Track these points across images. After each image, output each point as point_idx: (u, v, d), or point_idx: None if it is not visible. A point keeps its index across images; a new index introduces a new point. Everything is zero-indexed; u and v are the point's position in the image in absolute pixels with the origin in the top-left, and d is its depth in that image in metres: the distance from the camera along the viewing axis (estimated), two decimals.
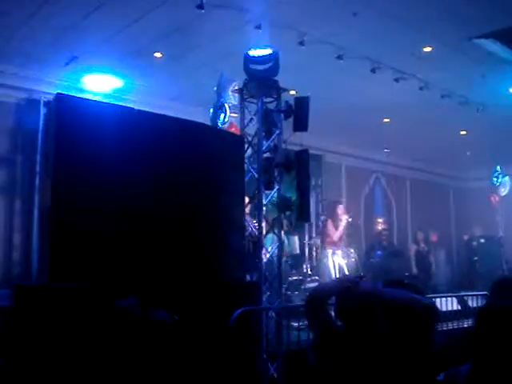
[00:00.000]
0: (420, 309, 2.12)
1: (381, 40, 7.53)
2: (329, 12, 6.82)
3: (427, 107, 9.81)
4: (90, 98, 7.50)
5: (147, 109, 6.39)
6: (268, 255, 6.83)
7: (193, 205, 5.62)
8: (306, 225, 10.43)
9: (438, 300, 7.80)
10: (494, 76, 8.76)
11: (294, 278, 8.85)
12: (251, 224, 6.68)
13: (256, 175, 6.52)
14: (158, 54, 8.04)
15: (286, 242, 8.93)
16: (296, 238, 9.95)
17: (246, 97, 6.71)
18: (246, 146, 6.71)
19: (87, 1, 6.48)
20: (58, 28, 7.09)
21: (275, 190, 6.60)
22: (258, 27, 6.83)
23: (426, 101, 9.43)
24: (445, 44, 7.73)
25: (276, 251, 6.70)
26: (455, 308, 8.43)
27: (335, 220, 9.84)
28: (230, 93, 6.91)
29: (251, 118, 6.73)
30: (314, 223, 11.66)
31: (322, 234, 9.83)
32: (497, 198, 13.53)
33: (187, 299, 5.01)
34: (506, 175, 13.40)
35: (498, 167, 13.18)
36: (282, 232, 7.03)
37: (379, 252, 11.50)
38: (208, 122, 7.14)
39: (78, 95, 7.37)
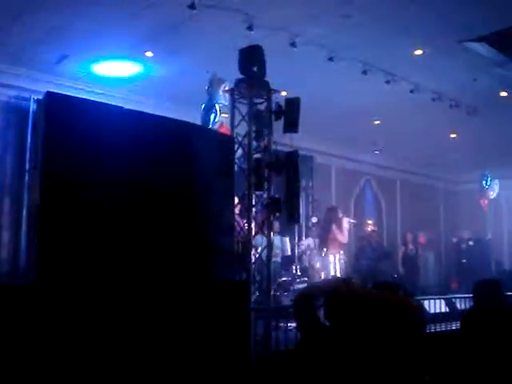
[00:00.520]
0: (408, 310, 2.12)
1: (372, 42, 7.56)
2: (320, 14, 6.83)
3: (418, 110, 9.85)
4: (80, 96, 7.47)
5: (138, 108, 6.37)
6: (257, 255, 6.82)
7: (181, 204, 5.60)
8: (296, 226, 10.38)
9: (426, 302, 7.83)
10: (484, 79, 8.82)
11: (284, 278, 8.85)
12: (241, 224, 6.67)
13: (246, 176, 6.52)
14: (149, 54, 8.03)
15: (277, 243, 8.92)
16: (287, 240, 9.94)
17: (236, 97, 6.69)
18: (236, 146, 6.67)
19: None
20: (48, 26, 7.06)
21: (265, 190, 6.59)
22: (250, 28, 6.83)
23: (416, 103, 9.46)
24: (436, 47, 7.76)
25: (265, 252, 6.69)
26: (443, 310, 8.45)
27: (339, 225, 9.62)
28: (221, 93, 6.90)
29: (242, 119, 6.71)
30: (304, 224, 11.65)
31: (325, 239, 9.61)
32: (486, 201, 13.63)
33: (175, 298, 5.00)
34: (495, 178, 13.50)
35: (487, 171, 13.31)
36: (272, 233, 7.01)
37: (369, 254, 11.50)
38: (198, 122, 7.13)
39: (68, 93, 7.33)
